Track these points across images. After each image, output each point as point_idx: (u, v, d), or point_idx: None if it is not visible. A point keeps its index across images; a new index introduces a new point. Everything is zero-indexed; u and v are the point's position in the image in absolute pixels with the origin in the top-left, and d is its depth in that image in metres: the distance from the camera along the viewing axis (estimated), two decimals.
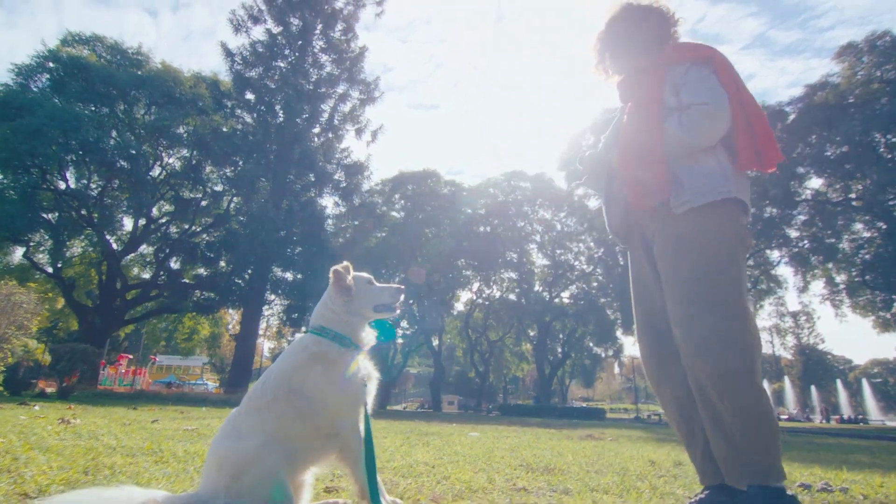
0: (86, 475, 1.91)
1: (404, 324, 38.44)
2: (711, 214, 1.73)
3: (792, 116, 24.48)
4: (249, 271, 23.15)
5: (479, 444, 4.46)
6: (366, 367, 1.70)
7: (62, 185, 21.47)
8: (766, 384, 57.60)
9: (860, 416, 43.05)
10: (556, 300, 37.40)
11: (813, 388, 54.48)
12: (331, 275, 1.71)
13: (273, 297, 25.45)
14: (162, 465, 2.30)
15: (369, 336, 1.76)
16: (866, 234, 24.44)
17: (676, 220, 1.77)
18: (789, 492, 1.61)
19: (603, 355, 41.46)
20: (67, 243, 22.61)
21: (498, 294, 38.71)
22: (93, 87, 20.71)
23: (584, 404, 47.79)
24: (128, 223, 24.64)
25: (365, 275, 1.78)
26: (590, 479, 2.53)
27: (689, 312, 1.69)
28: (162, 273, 24.37)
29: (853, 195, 24.30)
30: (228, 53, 22.50)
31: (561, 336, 41.32)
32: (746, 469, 1.61)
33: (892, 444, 9.16)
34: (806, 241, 26.35)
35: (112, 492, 1.39)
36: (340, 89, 24.64)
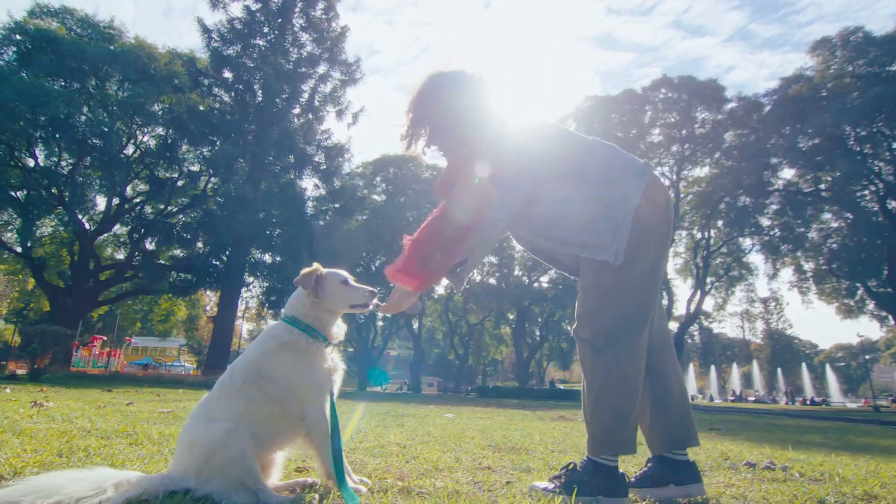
0: (60, 457, 1.96)
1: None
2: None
3: (767, 108, 24.97)
4: (227, 253, 22.89)
5: (452, 426, 4.59)
6: (333, 360, 1.78)
7: (31, 163, 20.85)
8: (734, 368, 59.48)
9: (822, 399, 44.80)
10: (535, 285, 37.89)
11: (779, 371, 56.45)
12: (295, 282, 1.78)
13: (252, 279, 25.24)
14: (136, 447, 2.36)
15: (339, 331, 1.84)
16: (834, 224, 25.26)
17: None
18: (620, 470, 1.75)
19: None
20: (37, 222, 22.06)
21: (478, 278, 39.03)
22: (62, 62, 19.98)
23: (562, 386, 48.68)
24: (101, 202, 24.08)
25: (340, 273, 1.85)
26: (552, 458, 2.67)
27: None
28: (137, 254, 23.94)
29: (823, 186, 25.01)
30: (205, 30, 21.94)
31: (539, 319, 41.97)
32: (592, 444, 1.77)
33: (847, 425, 9.63)
34: (777, 230, 27.09)
35: (86, 473, 1.45)
36: (321, 69, 24.27)
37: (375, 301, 1.89)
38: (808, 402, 39.79)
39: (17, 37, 19.70)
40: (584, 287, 1.87)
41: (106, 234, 25.61)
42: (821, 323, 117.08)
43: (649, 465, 1.94)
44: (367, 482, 1.81)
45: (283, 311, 1.84)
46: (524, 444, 3.23)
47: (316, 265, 1.82)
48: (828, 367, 57.22)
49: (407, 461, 2.39)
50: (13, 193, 20.21)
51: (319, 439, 1.68)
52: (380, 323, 38.60)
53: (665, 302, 30.51)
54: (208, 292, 31.90)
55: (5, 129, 17.81)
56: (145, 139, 23.92)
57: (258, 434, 1.62)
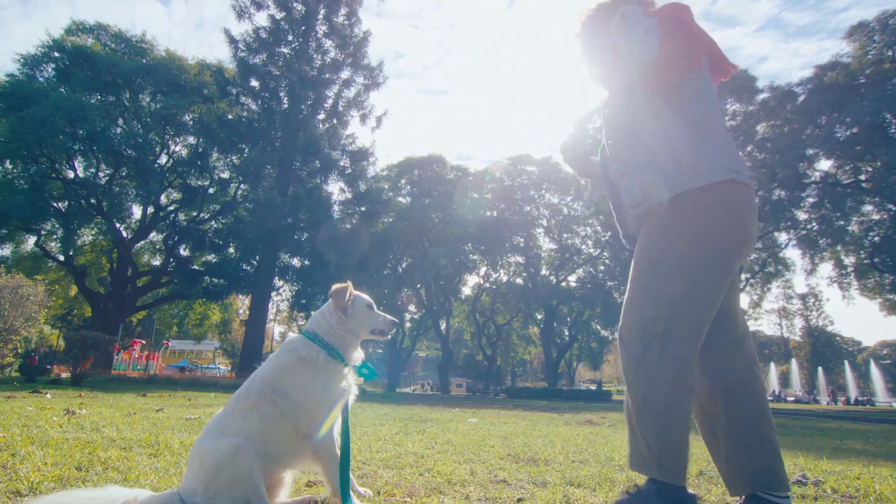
0: (78, 471, 2.01)
1: (412, 307, 38.77)
2: (709, 198, 1.66)
3: (802, 97, 24.07)
4: (257, 258, 23.39)
5: (474, 432, 4.55)
6: (349, 381, 1.78)
7: (71, 175, 21.72)
8: (772, 367, 57.52)
9: (867, 398, 42.92)
10: (563, 284, 37.43)
11: (820, 369, 54.33)
12: (330, 294, 1.80)
13: (281, 282, 25.75)
14: (155, 458, 2.40)
15: (358, 354, 1.85)
16: (875, 217, 24.15)
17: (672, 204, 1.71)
18: (690, 491, 1.63)
19: (610, 338, 41.56)
20: (78, 231, 22.94)
21: (505, 278, 38.81)
22: (98, 76, 20.80)
23: (592, 387, 48.03)
24: (137, 211, 24.95)
25: (365, 297, 1.87)
26: (571, 470, 2.61)
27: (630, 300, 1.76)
28: (171, 260, 24.69)
29: (863, 177, 23.96)
30: (232, 40, 22.45)
31: (568, 319, 41.47)
32: (636, 459, 1.66)
33: (892, 428, 9.18)
34: (814, 224, 26.08)
35: (96, 492, 1.47)
36: (344, 75, 24.55)
37: (393, 331, 1.91)
38: (851, 403, 38.21)
39: (56, 54, 20.57)
40: (634, 263, 1.78)
41: (142, 242, 26.51)
42: (864, 319, 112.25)
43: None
44: (368, 493, 1.81)
45: (306, 325, 1.86)
46: (544, 454, 3.17)
47: (349, 283, 1.84)
48: (872, 365, 54.75)
49: (421, 473, 2.36)
50: (55, 204, 21.09)
51: (327, 458, 1.68)
52: (407, 324, 38.78)
53: None
54: (240, 296, 32.60)
55: (46, 143, 18.60)
56: (177, 148, 24.69)
57: (269, 452, 1.63)
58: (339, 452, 1.69)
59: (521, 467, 2.67)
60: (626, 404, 1.72)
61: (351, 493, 1.66)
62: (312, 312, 1.93)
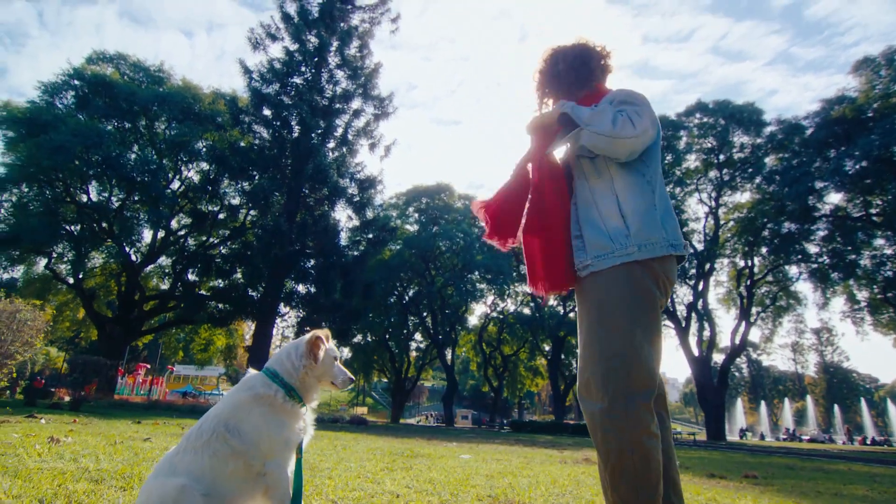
0: None
1: (418, 336, 38.51)
2: (610, 278, 1.75)
3: (809, 131, 24.13)
4: (263, 283, 23.49)
5: (461, 470, 4.46)
6: (305, 420, 1.78)
7: (84, 199, 22.15)
8: (786, 403, 56.07)
9: (884, 438, 41.52)
10: (571, 314, 37.08)
11: (836, 407, 52.83)
12: (309, 339, 1.80)
13: (286, 308, 25.75)
14: (124, 492, 2.38)
15: (316, 396, 1.85)
16: (888, 251, 23.83)
17: (584, 282, 1.83)
18: None
19: None
20: (88, 255, 23.25)
21: (512, 308, 38.59)
22: (116, 104, 21.41)
23: None
24: (147, 235, 25.27)
25: (334, 350, 1.89)
26: None
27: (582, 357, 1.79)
28: (179, 284, 24.88)
29: (873, 210, 23.77)
30: (246, 70, 23.05)
31: (576, 351, 40.88)
32: None
33: None
34: (825, 257, 25.79)
35: None
36: (355, 105, 25.02)
37: (349, 387, 1.97)
38: (868, 442, 36.97)
39: (76, 82, 21.26)
40: (581, 324, 1.84)
41: (151, 266, 26.76)
42: (882, 355, 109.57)
43: None
44: None
45: (268, 362, 1.85)
46: (523, 497, 3.10)
47: (327, 332, 1.86)
48: (890, 404, 53.16)
49: None
50: (67, 227, 21.46)
51: (278, 496, 1.65)
52: (413, 353, 38.48)
53: (707, 333, 29.31)
54: (246, 322, 32.65)
55: (62, 167, 19.07)
56: (189, 174, 25.16)
57: (218, 491, 1.61)
58: (290, 493, 1.66)
59: None
60: (599, 469, 1.69)
61: None
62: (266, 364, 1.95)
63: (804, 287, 31.79)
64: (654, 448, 1.60)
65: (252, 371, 1.84)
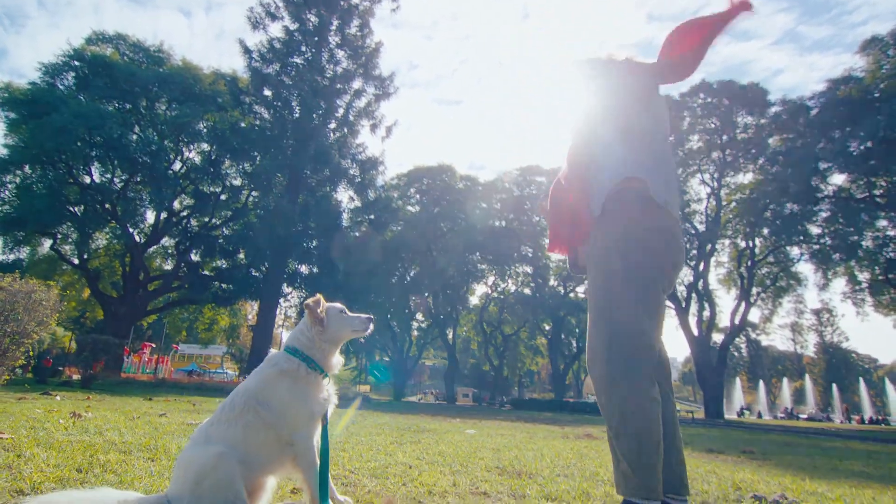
0: (78, 472, 2.12)
1: (420, 316, 38.84)
2: (609, 217, 1.88)
3: (814, 111, 23.95)
4: (266, 264, 23.64)
5: (468, 444, 4.62)
6: (328, 391, 1.88)
7: (87, 180, 22.16)
8: (785, 383, 56.61)
9: (882, 417, 42.06)
10: (571, 295, 37.33)
11: (835, 386, 53.42)
12: (304, 306, 1.91)
13: (290, 289, 25.95)
14: (152, 462, 2.51)
15: (337, 362, 1.95)
16: (890, 232, 23.86)
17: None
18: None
19: None
20: (92, 236, 23.35)
21: (513, 288, 38.81)
22: (116, 85, 21.28)
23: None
24: (150, 216, 25.34)
25: (337, 305, 1.98)
26: (552, 483, 2.67)
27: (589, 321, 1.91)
28: (183, 265, 25.04)
29: (877, 192, 23.71)
30: (246, 50, 22.83)
31: (576, 330, 41.27)
32: (619, 480, 1.75)
33: None
34: (827, 238, 25.82)
35: (88, 493, 1.58)
36: (356, 85, 24.84)
37: (371, 325, 2.01)
38: (865, 422, 37.47)
39: (76, 63, 21.08)
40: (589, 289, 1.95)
41: (155, 247, 26.89)
42: (881, 336, 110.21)
43: None
44: (349, 501, 1.90)
45: (285, 342, 1.96)
46: (531, 468, 3.24)
47: (319, 296, 1.94)
48: (888, 383, 53.73)
49: (404, 483, 2.45)
50: (71, 209, 21.53)
51: (306, 465, 1.77)
52: (415, 333, 38.83)
53: (707, 313, 29.52)
54: (249, 302, 32.91)
55: (65, 149, 19.06)
56: (191, 155, 25.09)
57: (251, 459, 1.73)
58: (318, 460, 1.78)
59: (504, 480, 2.74)
60: (607, 431, 1.80)
61: (330, 500, 1.75)
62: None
63: (805, 268, 31.97)
64: (656, 412, 1.72)
65: (273, 350, 1.96)
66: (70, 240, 23.51)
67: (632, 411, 1.69)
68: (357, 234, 26.07)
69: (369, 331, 2.03)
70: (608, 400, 1.76)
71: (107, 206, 21.85)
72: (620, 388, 1.72)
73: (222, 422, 1.75)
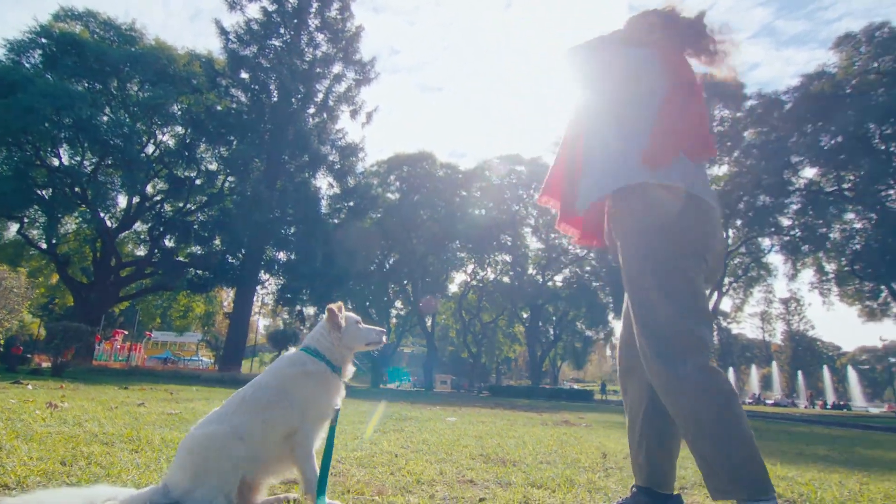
0: (63, 466, 2.09)
1: (399, 304, 38.86)
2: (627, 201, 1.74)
3: (788, 105, 24.49)
4: (243, 251, 23.31)
5: (450, 431, 4.68)
6: (341, 393, 1.94)
7: (55, 162, 21.41)
8: (753, 369, 58.46)
9: (844, 403, 43.86)
10: (549, 283, 37.77)
11: (800, 373, 55.44)
12: (325, 312, 1.95)
13: (267, 276, 25.67)
14: (137, 454, 2.49)
15: (351, 368, 2.01)
16: (857, 225, 24.72)
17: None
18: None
19: (594, 338, 42.02)
20: (61, 220, 22.67)
21: (492, 276, 39.05)
22: (86, 64, 20.51)
23: (576, 386, 48.36)
24: (122, 201, 24.62)
25: (353, 315, 2.02)
26: (536, 471, 2.74)
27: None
28: (156, 251, 24.48)
29: (846, 185, 24.48)
30: (223, 31, 22.31)
31: (553, 318, 41.85)
32: (717, 489, 1.45)
33: (862, 434, 9.48)
34: (798, 230, 26.61)
35: (82, 490, 1.57)
36: (336, 69, 24.52)
37: (385, 339, 2.08)
38: (828, 407, 39.02)
39: (43, 40, 20.25)
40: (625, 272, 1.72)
41: (127, 232, 26.21)
42: (845, 325, 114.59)
43: (634, 493, 1.83)
44: None
45: (304, 341, 1.98)
46: (514, 456, 3.30)
47: (339, 304, 1.98)
48: (850, 371, 55.99)
49: (392, 472, 2.48)
50: (39, 192, 20.82)
51: (303, 454, 1.79)
52: (393, 320, 38.85)
53: None
54: (225, 289, 32.45)
55: (31, 130, 18.34)
56: (165, 139, 24.40)
57: (264, 452, 1.75)
58: (313, 453, 1.80)
59: (489, 468, 2.80)
60: (682, 433, 1.55)
61: (324, 496, 1.76)
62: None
63: (775, 259, 32.85)
64: (735, 400, 1.49)
65: (293, 349, 1.97)
66: (38, 224, 22.77)
67: (709, 405, 1.46)
68: (336, 220, 25.87)
69: (381, 344, 2.08)
70: (676, 398, 1.52)
71: (76, 189, 21.17)
72: (688, 381, 1.50)
73: (238, 413, 1.76)
